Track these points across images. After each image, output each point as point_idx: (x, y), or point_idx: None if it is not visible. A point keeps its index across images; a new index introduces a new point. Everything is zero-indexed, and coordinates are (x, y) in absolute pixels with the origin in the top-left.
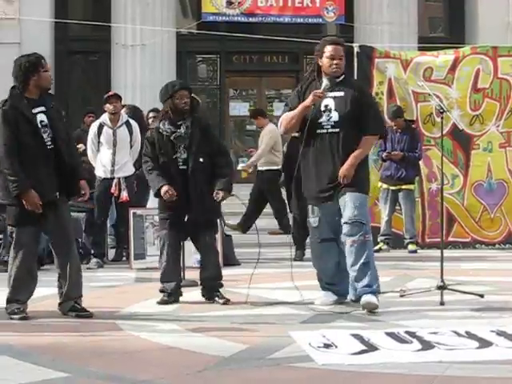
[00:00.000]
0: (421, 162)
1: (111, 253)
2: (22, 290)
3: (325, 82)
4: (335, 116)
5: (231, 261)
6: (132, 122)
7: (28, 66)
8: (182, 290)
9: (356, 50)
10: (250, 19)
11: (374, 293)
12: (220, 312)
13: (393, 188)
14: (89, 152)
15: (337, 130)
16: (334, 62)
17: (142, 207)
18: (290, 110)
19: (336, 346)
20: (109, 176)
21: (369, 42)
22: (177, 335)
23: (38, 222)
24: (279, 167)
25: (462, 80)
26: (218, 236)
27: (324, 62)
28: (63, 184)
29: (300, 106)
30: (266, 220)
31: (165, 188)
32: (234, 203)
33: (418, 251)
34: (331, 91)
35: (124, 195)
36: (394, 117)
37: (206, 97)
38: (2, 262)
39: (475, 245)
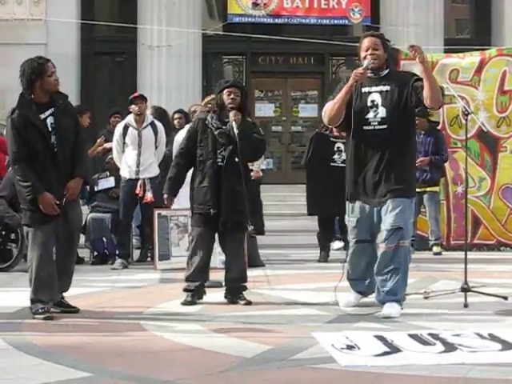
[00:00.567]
0: (447, 165)
1: (136, 253)
2: (43, 289)
3: (366, 61)
4: (382, 112)
5: (255, 262)
6: (157, 123)
7: (31, 73)
8: (206, 290)
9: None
10: (276, 20)
11: (398, 301)
12: (243, 313)
13: (417, 190)
14: (114, 153)
15: (384, 126)
16: (369, 52)
17: (167, 208)
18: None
19: (359, 348)
20: (134, 177)
21: (395, 43)
22: (200, 336)
23: (53, 221)
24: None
25: (489, 82)
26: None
27: (361, 55)
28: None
29: (342, 89)
30: (288, 221)
31: (169, 198)
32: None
33: (443, 253)
34: (377, 85)
35: (149, 196)
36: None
37: None
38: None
39: (500, 247)
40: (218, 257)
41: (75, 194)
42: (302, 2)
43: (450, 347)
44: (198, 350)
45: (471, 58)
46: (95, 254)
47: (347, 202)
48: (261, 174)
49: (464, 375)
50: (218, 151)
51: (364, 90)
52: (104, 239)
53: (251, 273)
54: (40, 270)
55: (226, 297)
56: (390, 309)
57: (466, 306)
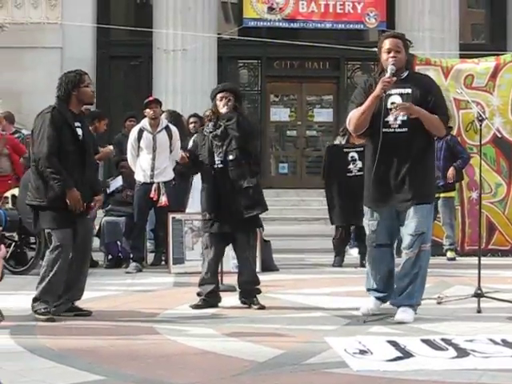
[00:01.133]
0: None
1: (150, 257)
2: (53, 292)
3: (389, 67)
4: (403, 115)
5: (270, 267)
6: (172, 127)
7: (68, 82)
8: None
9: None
10: (292, 25)
11: (413, 305)
12: (256, 317)
13: None
14: (129, 157)
15: (405, 129)
16: (391, 54)
17: (181, 212)
18: (358, 106)
19: (371, 353)
20: (148, 181)
21: (410, 48)
22: (213, 339)
23: (74, 224)
24: None
25: (504, 87)
26: (257, 241)
27: (382, 57)
28: (88, 193)
29: (369, 98)
30: (302, 226)
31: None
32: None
33: (457, 259)
34: (397, 88)
35: (163, 200)
36: None
37: (246, 102)
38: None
39: None
40: (231, 261)
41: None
42: (317, 6)
43: (462, 352)
44: (211, 354)
45: (486, 64)
46: (109, 257)
47: (367, 206)
48: None
49: (476, 380)
50: (216, 154)
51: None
52: (118, 243)
53: (266, 277)
54: (57, 273)
55: (240, 300)
56: (404, 314)
57: (479, 311)
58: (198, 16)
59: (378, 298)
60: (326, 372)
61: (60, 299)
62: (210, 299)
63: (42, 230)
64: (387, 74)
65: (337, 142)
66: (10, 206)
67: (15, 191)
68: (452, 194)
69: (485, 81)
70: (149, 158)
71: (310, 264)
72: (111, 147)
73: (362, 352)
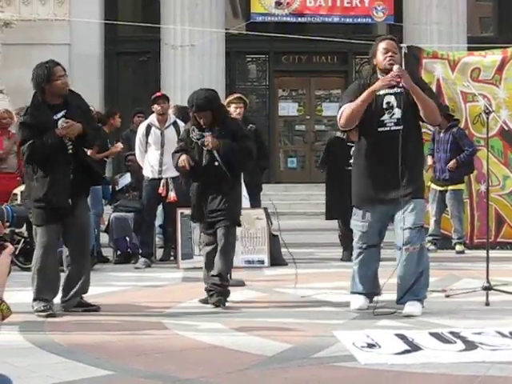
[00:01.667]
0: None
1: (159, 252)
2: (47, 288)
3: (395, 67)
4: (398, 113)
5: (278, 261)
6: (180, 122)
7: (37, 78)
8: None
9: (404, 50)
10: (299, 19)
11: (420, 299)
12: (265, 311)
13: (440, 189)
14: (137, 152)
15: (400, 127)
16: (388, 54)
17: (190, 207)
18: (350, 101)
19: (379, 346)
20: (157, 176)
21: (418, 42)
22: (221, 334)
23: (60, 221)
24: None
25: (510, 80)
26: (265, 236)
27: (378, 58)
28: (81, 186)
29: (366, 92)
30: (311, 220)
31: (183, 157)
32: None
33: (466, 252)
34: (391, 87)
35: (172, 195)
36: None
37: (255, 97)
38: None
39: None
40: (240, 256)
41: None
42: (324, 0)
43: (470, 345)
44: (220, 349)
45: (493, 57)
46: (118, 253)
47: (358, 208)
48: None
49: (484, 373)
50: (204, 155)
51: (378, 92)
52: (127, 238)
53: (274, 271)
54: (44, 268)
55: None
56: (412, 307)
57: (487, 304)
58: (205, 11)
59: (364, 294)
60: (333, 366)
61: (67, 295)
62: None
63: None
64: (394, 71)
65: (339, 134)
66: (18, 202)
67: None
68: (461, 186)
69: (491, 74)
70: (157, 153)
71: (318, 258)
72: (120, 145)
73: (370, 345)
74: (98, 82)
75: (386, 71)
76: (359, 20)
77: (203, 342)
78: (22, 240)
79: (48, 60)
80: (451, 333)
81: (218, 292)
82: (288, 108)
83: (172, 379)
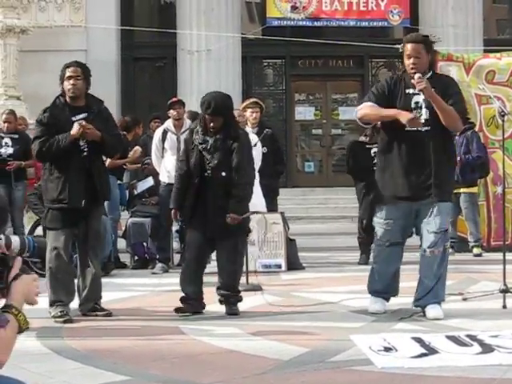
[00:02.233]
0: None
1: (176, 258)
2: (62, 292)
3: (416, 76)
4: (426, 113)
5: (295, 265)
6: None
7: (60, 78)
8: (245, 293)
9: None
10: (315, 23)
11: (439, 302)
12: (281, 316)
13: (454, 191)
14: (153, 158)
15: (428, 127)
16: (411, 61)
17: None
18: (376, 97)
19: (396, 350)
20: (173, 181)
21: (434, 44)
22: (238, 339)
23: (71, 225)
24: None
25: None
26: (282, 240)
27: (404, 60)
28: (95, 190)
29: (393, 113)
30: (329, 224)
31: (173, 212)
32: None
33: (483, 254)
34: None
35: None
36: None
37: (271, 101)
38: None
39: None
40: (257, 260)
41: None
42: (340, 4)
43: (487, 348)
44: (236, 353)
45: (508, 59)
46: (136, 258)
47: (384, 205)
48: None
49: (501, 376)
50: (206, 163)
51: (408, 91)
52: (144, 244)
53: (291, 276)
54: (57, 271)
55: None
56: (436, 310)
57: (504, 307)
58: (221, 16)
59: (381, 297)
60: (350, 369)
61: (80, 299)
62: (194, 304)
63: None
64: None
65: (363, 138)
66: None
67: None
68: (474, 189)
69: (506, 76)
70: (173, 158)
71: (335, 262)
72: (139, 148)
73: (387, 349)
74: (115, 88)
75: (412, 75)
76: (375, 23)
77: (219, 346)
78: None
79: (72, 61)
80: (468, 336)
81: (230, 302)
82: (305, 112)
83: None
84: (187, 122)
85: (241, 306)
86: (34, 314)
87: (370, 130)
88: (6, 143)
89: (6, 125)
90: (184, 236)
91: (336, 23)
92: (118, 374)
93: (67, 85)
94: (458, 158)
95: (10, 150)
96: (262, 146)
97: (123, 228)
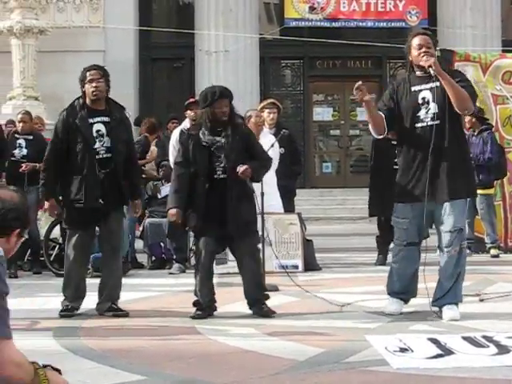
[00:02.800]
0: None
1: (194, 258)
2: (69, 286)
3: (431, 71)
4: (434, 108)
5: (312, 266)
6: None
7: (79, 80)
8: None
9: (436, 53)
10: (333, 24)
11: (457, 303)
12: (297, 316)
13: None
14: (170, 159)
15: (437, 121)
16: (423, 49)
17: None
18: (384, 104)
19: (412, 351)
20: None
21: (452, 45)
22: (254, 339)
23: (87, 226)
24: None
25: None
26: (299, 241)
27: (413, 54)
28: (113, 192)
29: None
30: (347, 225)
31: (173, 211)
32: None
33: (501, 255)
34: (426, 83)
35: None
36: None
37: (289, 102)
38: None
39: None
40: (274, 260)
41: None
42: (358, 5)
43: (503, 349)
44: (252, 353)
45: None
46: (153, 258)
47: (399, 204)
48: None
49: None
50: (217, 164)
51: (414, 88)
52: (162, 244)
53: (308, 277)
54: (70, 268)
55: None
56: (453, 311)
57: None
58: (239, 17)
59: (399, 298)
60: (365, 370)
61: (100, 298)
62: (207, 309)
63: None
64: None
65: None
66: None
67: None
68: (490, 191)
69: None
70: None
71: (352, 263)
72: (155, 148)
73: (403, 350)
74: (133, 88)
75: (422, 67)
76: (393, 24)
77: (236, 346)
78: (57, 246)
79: (92, 64)
80: (484, 337)
81: (260, 302)
82: (323, 113)
83: None
84: None
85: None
86: (51, 314)
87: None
88: (20, 144)
89: (21, 124)
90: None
91: (354, 24)
92: (133, 373)
93: (89, 87)
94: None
95: (24, 152)
96: (280, 147)
97: (140, 228)
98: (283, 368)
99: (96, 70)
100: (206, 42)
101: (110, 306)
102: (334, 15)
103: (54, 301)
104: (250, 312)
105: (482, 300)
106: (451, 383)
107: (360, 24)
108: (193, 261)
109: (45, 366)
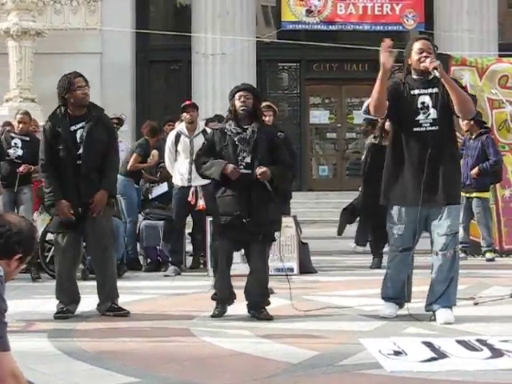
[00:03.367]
0: None
1: (190, 260)
2: (62, 291)
3: (436, 73)
4: (433, 113)
5: (308, 268)
6: (209, 130)
7: (59, 88)
8: None
9: None
10: (330, 27)
11: (451, 306)
12: (292, 319)
13: (466, 195)
14: (166, 161)
15: (436, 127)
16: (424, 54)
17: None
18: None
19: (406, 354)
20: (186, 184)
21: (449, 49)
22: (248, 341)
23: (76, 229)
24: None
25: None
26: (295, 244)
27: (413, 57)
28: (93, 194)
29: (380, 73)
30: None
31: (231, 166)
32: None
33: (497, 259)
34: (426, 88)
35: (201, 203)
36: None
37: (286, 105)
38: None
39: None
40: (269, 263)
41: (99, 205)
42: (355, 8)
43: (496, 353)
44: (246, 356)
45: None
46: (149, 261)
47: (393, 208)
48: None
49: (509, 381)
50: (239, 158)
51: (413, 92)
52: (157, 246)
53: (304, 279)
54: (60, 273)
55: (248, 309)
56: (447, 314)
57: None
58: (236, 20)
59: (394, 302)
60: (359, 373)
61: (99, 299)
62: (223, 306)
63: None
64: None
65: (373, 140)
66: None
67: None
68: (486, 194)
69: None
70: (186, 162)
71: (348, 266)
72: (156, 152)
73: (397, 353)
74: (130, 91)
75: (421, 71)
76: (390, 28)
77: (230, 349)
78: (53, 248)
79: (72, 71)
80: (478, 340)
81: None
82: (319, 116)
83: None
84: (200, 125)
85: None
86: (47, 316)
87: (379, 130)
88: (15, 144)
89: (20, 125)
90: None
91: (351, 27)
92: (127, 375)
93: (80, 94)
94: (477, 169)
95: (20, 152)
96: None
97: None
98: (277, 371)
99: (81, 76)
100: (202, 44)
101: (110, 305)
102: (330, 18)
103: (50, 303)
104: (244, 314)
105: (476, 303)
106: None
107: (357, 27)
108: (188, 263)
109: None
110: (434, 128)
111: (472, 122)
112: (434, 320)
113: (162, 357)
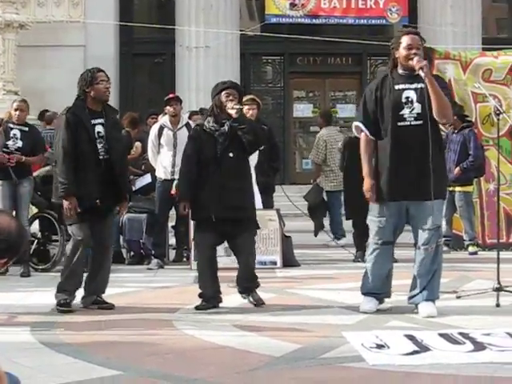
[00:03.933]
0: None
1: (173, 253)
2: (73, 281)
3: (422, 74)
4: (418, 108)
5: (290, 262)
6: (192, 123)
7: (81, 81)
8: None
9: None
10: (314, 21)
11: (433, 300)
12: (274, 312)
13: (450, 189)
14: (149, 154)
15: (420, 122)
16: (412, 51)
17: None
18: (366, 113)
19: (388, 347)
20: (169, 177)
21: (433, 43)
22: (231, 334)
23: (90, 219)
24: None
25: None
26: (278, 237)
27: (401, 53)
28: (110, 192)
29: (364, 174)
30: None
31: (183, 204)
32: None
33: (479, 253)
34: (411, 83)
35: None
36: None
37: (270, 98)
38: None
39: None
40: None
41: (124, 210)
42: (339, 2)
43: (479, 346)
44: (229, 349)
45: (505, 58)
46: (132, 254)
47: (374, 203)
48: None
49: (491, 374)
50: (219, 152)
51: (397, 87)
52: (140, 240)
53: (287, 273)
54: (77, 263)
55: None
56: (429, 308)
57: (497, 305)
58: (220, 13)
59: (373, 297)
60: (342, 366)
61: (85, 292)
62: (212, 301)
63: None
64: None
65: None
66: None
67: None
68: (469, 188)
69: (503, 74)
70: (169, 154)
71: (331, 259)
72: (139, 144)
73: (379, 346)
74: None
75: (408, 66)
76: (374, 21)
77: (212, 342)
78: (36, 241)
79: (93, 67)
80: (460, 334)
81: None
82: (303, 109)
83: (181, 379)
84: (184, 119)
85: (233, 302)
86: (30, 309)
87: None
88: (14, 135)
89: (17, 113)
90: (180, 234)
91: (334, 21)
92: (110, 368)
93: (102, 88)
94: (458, 169)
95: (19, 143)
96: None
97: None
98: (260, 364)
99: (103, 72)
100: (186, 37)
101: (95, 299)
102: (314, 12)
103: (35, 295)
104: (227, 307)
105: (458, 297)
106: (427, 380)
107: (340, 21)
108: (172, 256)
109: None
110: (418, 122)
111: (454, 117)
112: (417, 313)
113: (145, 349)
